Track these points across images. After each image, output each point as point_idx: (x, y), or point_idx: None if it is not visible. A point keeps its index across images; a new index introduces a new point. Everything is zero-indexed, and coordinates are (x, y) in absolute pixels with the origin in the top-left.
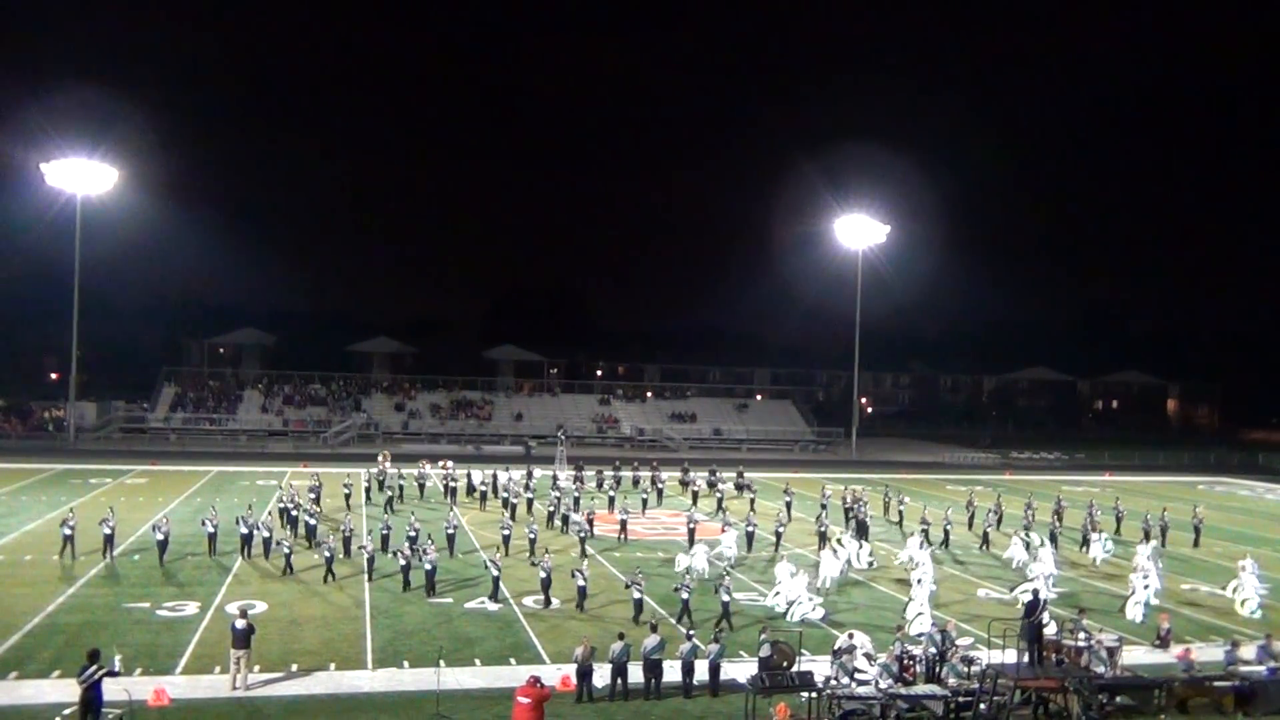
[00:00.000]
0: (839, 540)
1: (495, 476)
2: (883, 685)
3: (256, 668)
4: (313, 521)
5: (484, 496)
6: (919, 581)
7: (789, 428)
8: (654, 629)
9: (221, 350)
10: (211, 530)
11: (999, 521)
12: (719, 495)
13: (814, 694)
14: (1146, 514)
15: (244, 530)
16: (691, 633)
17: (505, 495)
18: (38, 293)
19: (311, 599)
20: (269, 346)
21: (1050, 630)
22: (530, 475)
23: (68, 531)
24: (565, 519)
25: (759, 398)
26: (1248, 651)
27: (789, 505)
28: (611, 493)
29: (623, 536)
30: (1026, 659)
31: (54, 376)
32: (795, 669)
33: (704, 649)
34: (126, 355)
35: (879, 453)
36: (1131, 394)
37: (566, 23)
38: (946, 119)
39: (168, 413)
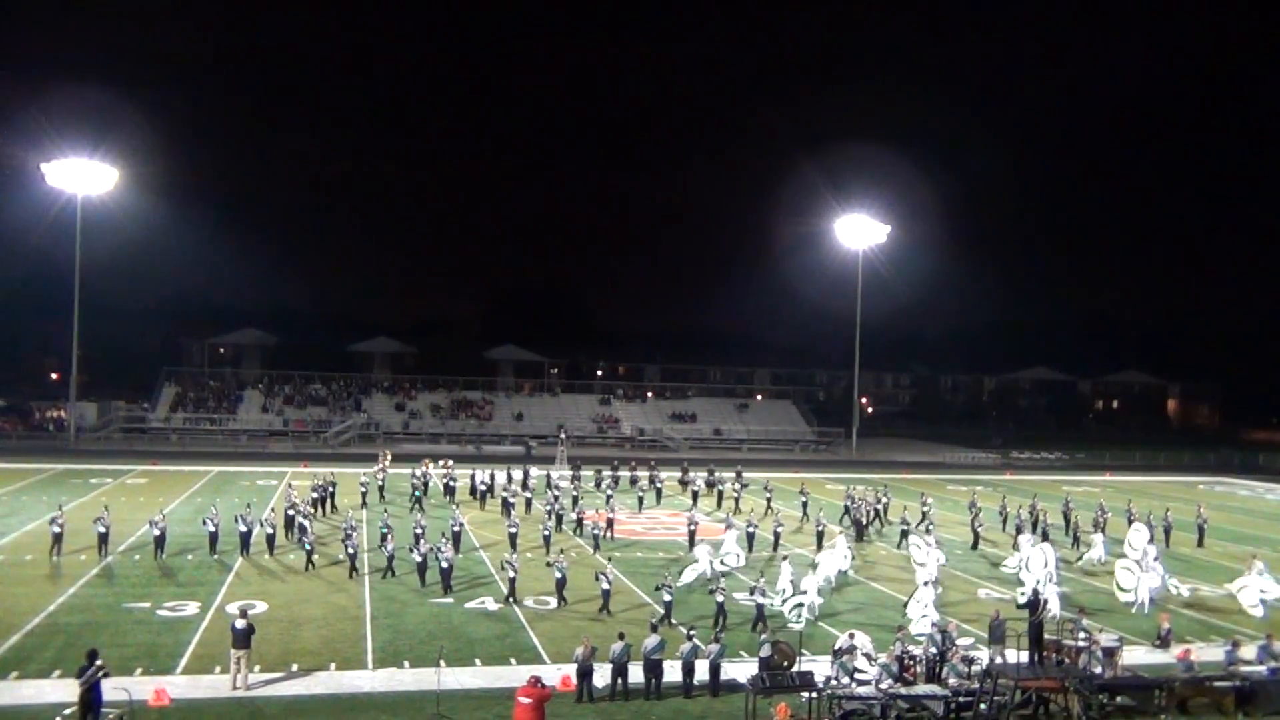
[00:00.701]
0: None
1: (493, 476)
2: (883, 685)
3: (257, 668)
4: (306, 523)
5: (484, 496)
6: (925, 583)
7: (789, 428)
8: (654, 629)
9: (222, 350)
10: (212, 530)
11: (1004, 522)
12: (719, 493)
13: (814, 694)
14: (1149, 514)
15: (243, 529)
16: (692, 632)
17: (504, 495)
18: (38, 293)
19: (312, 599)
20: (269, 346)
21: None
22: (527, 474)
23: (56, 529)
24: (559, 518)
25: (759, 398)
26: (1248, 651)
27: (805, 505)
28: (610, 491)
29: (609, 534)
30: (1027, 659)
31: (54, 376)
32: (796, 669)
33: (704, 649)
34: (127, 355)
35: (879, 453)
36: (1132, 394)
37: (567, 23)
38: (947, 119)
39: (168, 413)
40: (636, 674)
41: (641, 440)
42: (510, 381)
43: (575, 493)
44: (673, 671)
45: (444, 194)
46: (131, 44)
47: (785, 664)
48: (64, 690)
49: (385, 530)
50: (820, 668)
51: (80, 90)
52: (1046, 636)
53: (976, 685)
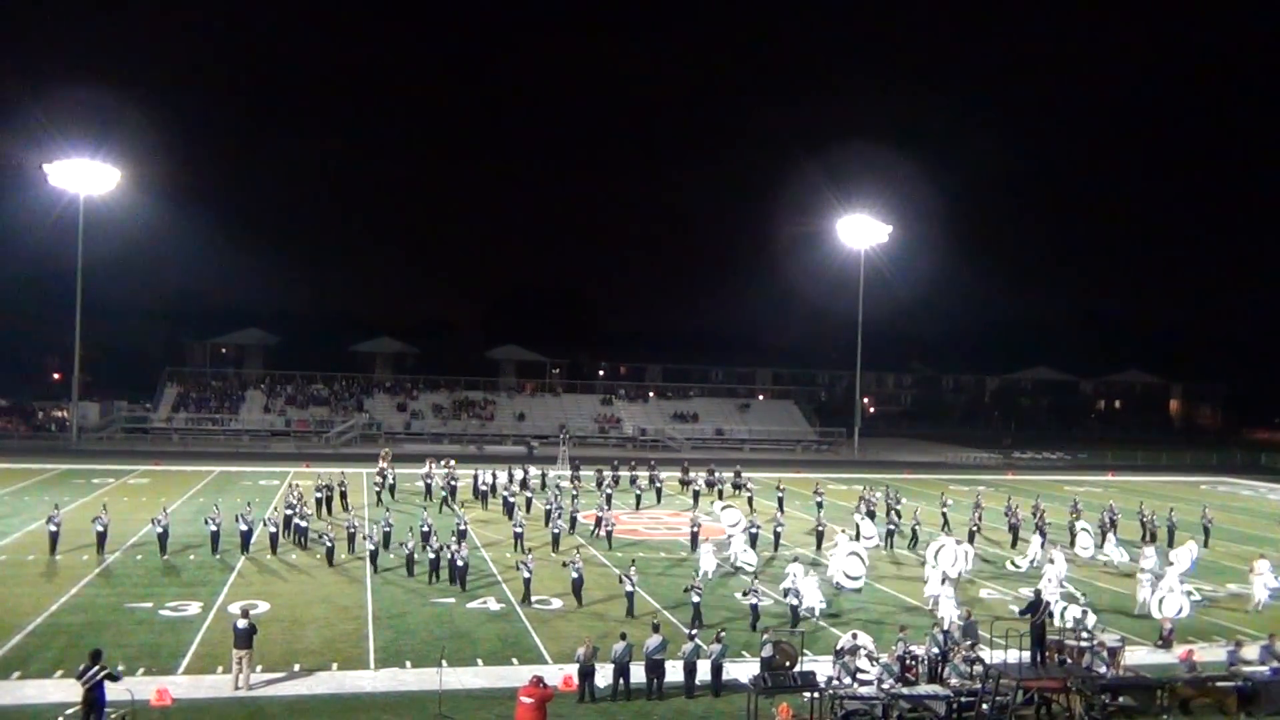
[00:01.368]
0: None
1: (495, 476)
2: (885, 685)
3: (259, 667)
4: (304, 524)
5: (485, 496)
6: (944, 578)
7: (791, 428)
8: (656, 629)
9: (224, 350)
10: (214, 529)
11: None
12: (720, 492)
13: (816, 694)
14: (1153, 514)
15: (243, 528)
16: (694, 632)
17: (505, 495)
18: (40, 293)
19: (314, 599)
20: (271, 346)
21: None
22: (527, 474)
23: (53, 529)
24: (573, 519)
25: (761, 398)
26: (1250, 652)
27: (820, 505)
28: (609, 490)
29: (598, 533)
30: (1029, 659)
31: (57, 377)
32: (797, 669)
33: (706, 649)
34: (129, 355)
35: (881, 453)
36: (1134, 394)
37: (567, 23)
38: (948, 119)
39: (170, 413)
40: (638, 674)
41: (643, 440)
42: (512, 381)
43: (575, 492)
44: (674, 671)
45: (446, 194)
46: (134, 45)
47: (787, 664)
48: (66, 690)
49: (426, 529)
50: (822, 668)
51: (82, 91)
52: (1050, 637)
53: (978, 685)
